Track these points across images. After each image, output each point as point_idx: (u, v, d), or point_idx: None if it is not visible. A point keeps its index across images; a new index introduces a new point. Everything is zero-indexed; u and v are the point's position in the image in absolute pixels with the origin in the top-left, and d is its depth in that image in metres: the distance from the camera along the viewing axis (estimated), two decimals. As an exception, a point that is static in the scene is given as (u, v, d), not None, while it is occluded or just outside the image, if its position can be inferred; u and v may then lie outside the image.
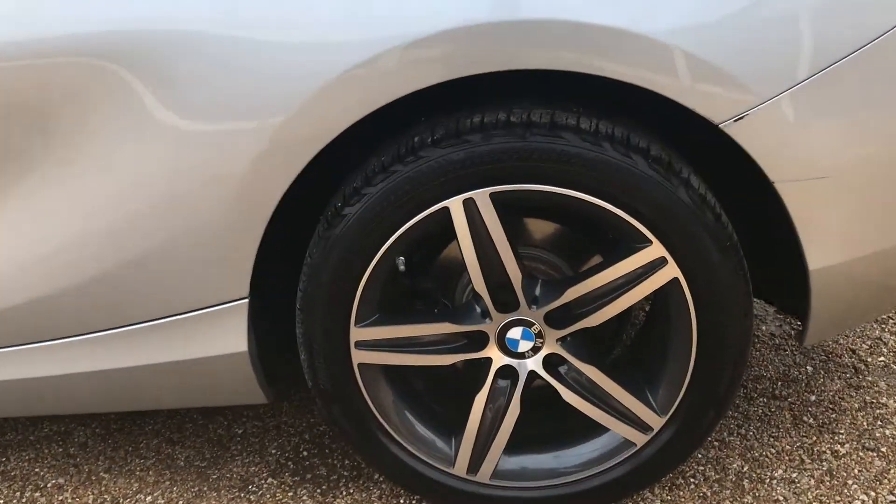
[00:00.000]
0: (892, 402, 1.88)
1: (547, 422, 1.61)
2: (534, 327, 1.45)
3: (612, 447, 1.55)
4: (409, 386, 1.60)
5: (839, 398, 1.91)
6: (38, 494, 1.79)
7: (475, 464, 1.56)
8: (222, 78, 1.29)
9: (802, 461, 1.72)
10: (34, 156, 1.37)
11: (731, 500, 1.63)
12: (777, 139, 1.29)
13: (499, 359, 1.49)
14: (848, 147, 1.31)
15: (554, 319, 1.45)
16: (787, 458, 1.73)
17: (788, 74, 1.25)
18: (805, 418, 1.85)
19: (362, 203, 1.36)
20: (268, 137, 1.30)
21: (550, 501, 1.57)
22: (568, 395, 1.50)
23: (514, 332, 1.46)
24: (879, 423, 1.82)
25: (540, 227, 1.56)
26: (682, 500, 1.64)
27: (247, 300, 1.45)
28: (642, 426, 1.51)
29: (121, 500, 1.74)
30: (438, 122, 1.34)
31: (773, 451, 1.75)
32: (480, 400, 1.51)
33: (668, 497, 1.65)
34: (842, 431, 1.80)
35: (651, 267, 1.38)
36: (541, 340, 1.47)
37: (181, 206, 1.37)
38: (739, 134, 1.28)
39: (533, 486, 1.57)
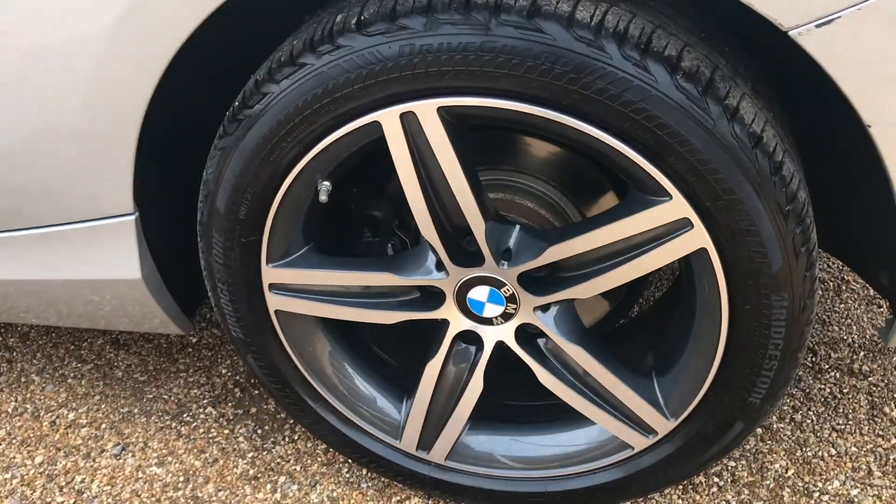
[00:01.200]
0: None
1: (526, 396, 1.25)
2: (504, 289, 1.06)
3: (601, 444, 1.18)
4: (353, 334, 1.25)
5: (940, 385, 1.46)
6: (-40, 393, 1.58)
7: (427, 440, 1.22)
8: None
9: (870, 472, 1.31)
10: None
11: (760, 516, 1.26)
12: (881, 60, 0.80)
13: (458, 322, 1.12)
14: None
15: (532, 282, 1.06)
16: (849, 464, 1.32)
17: None
18: (887, 410, 1.41)
19: (264, 105, 0.97)
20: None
21: (519, 498, 1.23)
22: (546, 378, 1.12)
23: (479, 293, 1.08)
24: None
25: (526, 149, 1.13)
26: (697, 506, 1.27)
27: (133, 217, 1.11)
28: (644, 427, 1.12)
29: (41, 413, 1.51)
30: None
31: (832, 452, 1.34)
32: (433, 368, 1.15)
33: (680, 501, 1.28)
34: (934, 435, 1.37)
35: (669, 230, 0.95)
36: (513, 306, 1.08)
37: (37, 86, 1.02)
38: (819, 48, 0.80)
39: (500, 476, 1.23)
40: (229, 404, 1.51)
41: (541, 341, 1.12)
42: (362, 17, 0.90)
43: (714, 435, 1.10)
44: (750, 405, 1.06)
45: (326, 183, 1.04)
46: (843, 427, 1.39)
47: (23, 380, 1.60)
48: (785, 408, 1.43)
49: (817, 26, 0.79)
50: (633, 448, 1.15)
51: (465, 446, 1.23)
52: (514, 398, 1.26)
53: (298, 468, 1.37)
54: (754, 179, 0.88)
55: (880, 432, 1.37)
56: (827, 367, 1.50)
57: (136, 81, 0.97)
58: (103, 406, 1.52)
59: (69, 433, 1.47)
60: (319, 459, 1.38)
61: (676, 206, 0.92)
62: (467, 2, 0.87)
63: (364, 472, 1.34)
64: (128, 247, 1.14)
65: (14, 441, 1.46)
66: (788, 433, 1.38)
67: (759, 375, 1.03)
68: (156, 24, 0.94)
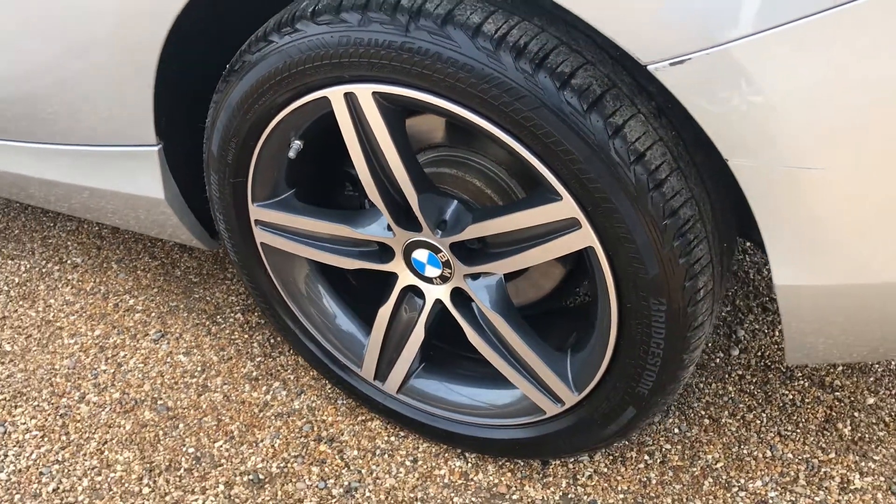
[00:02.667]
0: (978, 439, 1.41)
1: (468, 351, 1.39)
2: (440, 255, 1.20)
3: (520, 404, 1.31)
4: (328, 268, 1.43)
5: (908, 412, 1.46)
6: (56, 268, 1.91)
7: (382, 373, 1.40)
8: None
9: (796, 480, 1.36)
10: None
11: (673, 498, 1.35)
12: (738, 101, 0.86)
13: (405, 277, 1.28)
14: (851, 131, 0.85)
15: (463, 252, 1.19)
16: (779, 468, 1.38)
17: (767, 11, 0.81)
18: (840, 426, 1.44)
19: (244, 71, 1.15)
20: None
21: (452, 437, 1.39)
22: (473, 337, 1.26)
23: (420, 254, 1.23)
24: (941, 461, 1.38)
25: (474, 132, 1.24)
26: (619, 478, 1.38)
27: (157, 148, 1.34)
28: (553, 396, 1.25)
29: (110, 295, 1.82)
30: (334, -11, 1.06)
31: (768, 454, 1.40)
32: (384, 314, 1.32)
33: (605, 469, 1.39)
34: (877, 458, 1.39)
35: (562, 226, 1.05)
36: (448, 271, 1.22)
37: (74, 28, 1.25)
38: (676, 84, 0.87)
39: (439, 416, 1.39)
40: (255, 314, 1.75)
41: (474, 305, 1.25)
42: (315, 8, 1.05)
43: (611, 415, 1.21)
44: (639, 394, 1.16)
45: (298, 142, 1.21)
46: (788, 433, 1.43)
47: (104, 265, 1.91)
48: (740, 405, 1.49)
49: (671, 64, 0.86)
50: (545, 412, 1.27)
51: (414, 384, 1.40)
52: (459, 350, 1.40)
53: (292, 377, 1.59)
54: (631, 193, 0.97)
55: (823, 445, 1.41)
56: (799, 374, 1.54)
57: (150, 31, 1.17)
58: (157, 298, 1.81)
59: (125, 316, 1.76)
60: (311, 374, 1.60)
61: (566, 207, 1.02)
62: (394, 5, 1.00)
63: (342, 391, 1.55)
64: (153, 172, 1.37)
65: (84, 314, 1.77)
66: (734, 429, 1.45)
67: (645, 369, 1.12)
68: None
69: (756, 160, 0.89)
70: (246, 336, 1.70)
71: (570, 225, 1.04)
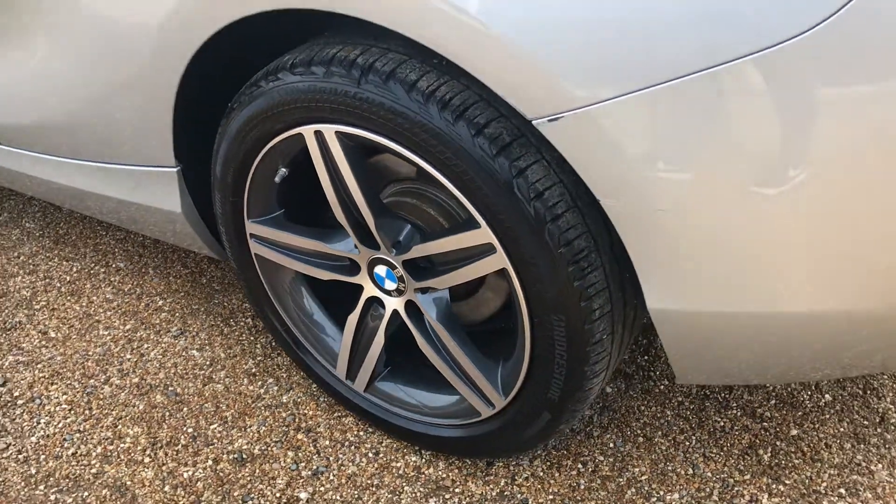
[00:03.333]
0: (886, 474, 1.53)
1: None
2: (396, 270, 1.42)
3: (461, 405, 1.50)
4: (314, 280, 1.66)
5: (827, 445, 1.59)
6: (102, 270, 2.20)
7: (352, 373, 1.61)
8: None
9: (710, 495, 1.51)
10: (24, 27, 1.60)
11: (596, 502, 1.51)
12: (602, 152, 1.06)
13: (369, 289, 1.49)
14: (694, 181, 1.04)
15: (413, 269, 1.41)
16: (697, 484, 1.53)
17: (635, 74, 1.00)
18: (761, 452, 1.58)
19: (240, 110, 1.39)
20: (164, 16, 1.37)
21: (410, 434, 1.59)
22: (423, 345, 1.47)
23: (380, 270, 1.44)
24: (848, 492, 1.50)
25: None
26: (552, 481, 1.55)
27: (175, 169, 1.59)
28: (486, 400, 1.44)
29: (143, 296, 2.09)
30: (309, 48, 1.30)
31: (690, 471, 1.55)
32: (352, 320, 1.54)
33: (541, 473, 1.57)
34: (787, 482, 1.52)
35: (484, 249, 1.26)
36: (403, 285, 1.43)
37: (106, 62, 1.51)
38: (557, 136, 1.08)
39: (398, 413, 1.59)
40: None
41: (424, 317, 1.46)
42: (293, 61, 1.29)
43: (530, 418, 1.39)
44: (550, 400, 1.34)
45: (283, 169, 1.44)
46: (712, 455, 1.58)
47: (142, 270, 2.19)
48: (674, 427, 1.64)
49: (549, 121, 1.06)
50: (480, 414, 1.46)
51: (378, 385, 1.60)
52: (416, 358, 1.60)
53: (285, 376, 1.82)
54: (531, 224, 1.17)
55: (741, 468, 1.55)
56: (734, 405, 1.68)
57: (167, 76, 1.42)
58: (182, 301, 2.07)
59: (153, 314, 2.03)
60: (300, 374, 1.82)
61: (483, 234, 1.22)
62: (351, 62, 1.23)
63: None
64: (173, 189, 1.62)
65: (119, 311, 2.04)
66: (663, 448, 1.60)
67: (553, 377, 1.31)
68: (183, 24, 1.36)
69: (620, 201, 1.08)
70: (252, 338, 1.93)
71: (488, 249, 1.24)
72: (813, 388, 1.73)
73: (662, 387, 1.74)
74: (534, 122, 1.08)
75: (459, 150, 1.17)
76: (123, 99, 1.52)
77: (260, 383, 1.80)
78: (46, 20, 1.57)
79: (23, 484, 1.60)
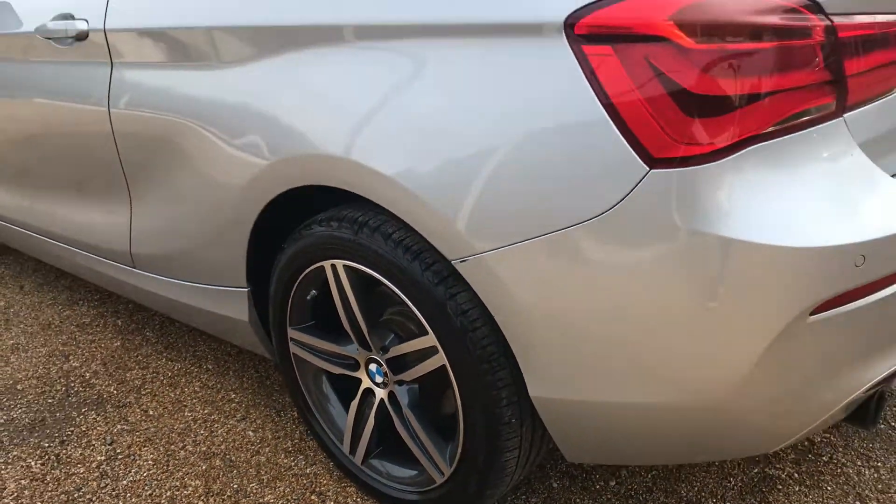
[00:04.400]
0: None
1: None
2: (382, 367, 1.98)
3: (422, 477, 2.00)
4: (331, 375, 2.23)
5: (718, 541, 1.97)
6: (195, 368, 2.85)
7: (353, 449, 2.15)
8: (222, 156, 2.08)
9: (612, 567, 1.91)
10: (166, 173, 2.33)
11: (523, 563, 1.94)
12: (491, 284, 1.62)
13: (365, 381, 2.05)
14: (553, 302, 1.57)
15: (394, 366, 1.96)
16: (605, 559, 1.94)
17: (507, 233, 1.57)
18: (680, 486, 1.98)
19: (289, 247, 2.04)
20: (242, 174, 2.04)
21: (395, 500, 2.09)
22: (399, 427, 2.00)
23: (373, 367, 2.01)
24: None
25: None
26: (493, 546, 2.00)
27: (246, 290, 2.24)
28: (440, 470, 1.94)
29: (221, 390, 2.71)
30: (332, 210, 1.95)
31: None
32: (353, 406, 2.09)
33: (487, 540, 2.02)
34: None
35: (429, 352, 1.81)
36: (387, 379, 1.99)
37: (207, 214, 2.21)
38: (466, 272, 1.65)
39: (381, 482, 2.10)
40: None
41: (400, 404, 2.00)
42: (321, 219, 1.93)
43: (466, 483, 1.87)
44: (479, 469, 1.83)
45: (314, 291, 2.06)
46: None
47: (224, 371, 2.82)
48: (604, 481, 2.07)
49: (460, 262, 1.64)
50: (435, 482, 1.96)
51: (371, 461, 2.12)
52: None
53: (312, 455, 2.36)
54: (458, 334, 1.72)
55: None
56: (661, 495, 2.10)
57: (243, 222, 2.10)
58: (249, 396, 2.67)
59: (226, 404, 2.63)
60: (323, 454, 2.36)
61: (430, 339, 1.78)
62: (353, 219, 1.85)
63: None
64: (243, 304, 2.27)
65: (201, 399, 2.66)
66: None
67: (479, 451, 1.80)
68: (246, 194, 2.05)
69: (507, 317, 1.62)
70: (293, 426, 2.50)
71: (433, 351, 1.80)
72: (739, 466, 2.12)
73: (598, 486, 2.18)
74: (452, 262, 1.66)
75: (415, 280, 1.75)
76: (216, 238, 2.21)
77: (293, 458, 2.35)
78: (175, 183, 2.29)
79: (110, 509, 2.19)
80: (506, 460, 1.82)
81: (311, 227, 1.96)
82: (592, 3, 1.45)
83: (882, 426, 2.36)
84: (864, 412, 1.71)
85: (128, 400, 2.69)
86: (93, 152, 2.51)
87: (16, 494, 2.25)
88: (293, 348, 2.18)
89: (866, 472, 2.20)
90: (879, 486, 2.15)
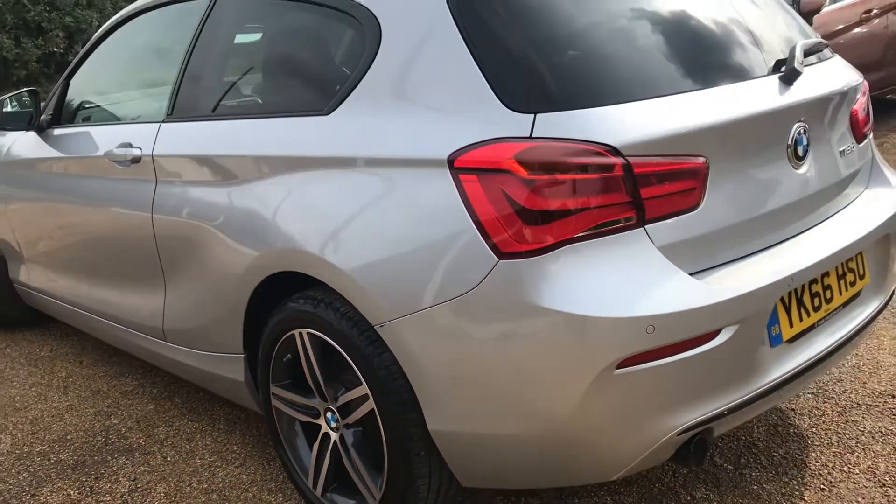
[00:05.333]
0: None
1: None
2: (335, 414, 2.57)
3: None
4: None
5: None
6: (209, 427, 3.45)
7: (315, 483, 2.70)
8: (228, 249, 2.76)
9: (505, 581, 2.40)
10: (192, 265, 3.02)
11: (436, 575, 2.44)
12: (401, 344, 2.21)
13: (324, 427, 2.63)
14: (441, 358, 2.15)
15: (342, 412, 2.54)
16: (501, 575, 2.43)
17: (406, 306, 2.17)
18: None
19: (272, 319, 2.67)
20: (241, 264, 2.70)
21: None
22: (346, 463, 2.56)
23: (329, 415, 2.60)
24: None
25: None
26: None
27: (242, 356, 2.87)
28: (373, 496, 2.48)
29: (227, 444, 3.30)
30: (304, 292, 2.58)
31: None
32: (315, 447, 2.66)
33: (412, 558, 2.53)
34: (556, 580, 2.38)
35: (363, 398, 2.39)
36: (338, 423, 2.57)
37: (216, 294, 2.87)
38: (385, 335, 2.24)
39: (336, 510, 2.65)
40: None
41: (347, 444, 2.56)
42: (295, 298, 2.57)
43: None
44: (398, 497, 2.37)
45: (289, 354, 2.68)
46: None
47: (232, 428, 3.42)
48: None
49: (379, 326, 2.24)
50: (368, 505, 2.50)
51: (328, 494, 2.67)
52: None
53: (289, 492, 2.91)
54: (382, 384, 2.30)
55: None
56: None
57: (238, 302, 2.74)
58: (249, 449, 3.25)
59: (229, 454, 3.22)
60: (295, 491, 2.91)
61: (364, 389, 2.36)
62: (313, 297, 2.48)
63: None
64: (239, 367, 2.89)
65: (211, 450, 3.26)
66: None
67: (396, 480, 2.35)
68: (243, 277, 2.70)
69: (410, 368, 2.20)
70: (279, 472, 3.06)
71: (366, 397, 2.38)
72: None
73: (511, 524, 2.67)
74: (375, 327, 2.26)
75: (353, 343, 2.35)
76: (222, 315, 2.86)
77: (274, 495, 2.91)
78: (198, 272, 2.97)
79: (125, 525, 2.77)
80: (419, 485, 2.36)
81: (287, 304, 2.59)
82: (466, 147, 2.10)
83: (730, 468, 2.79)
84: (686, 453, 2.20)
85: (152, 449, 3.30)
86: (138, 248, 3.23)
87: (55, 512, 2.86)
88: (274, 402, 2.78)
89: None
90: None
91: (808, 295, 2.38)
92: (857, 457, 2.85)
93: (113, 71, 3.88)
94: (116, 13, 3.79)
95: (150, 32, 3.59)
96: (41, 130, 3.93)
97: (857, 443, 2.93)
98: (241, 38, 3.10)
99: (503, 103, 2.10)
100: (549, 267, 2.01)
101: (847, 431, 3.00)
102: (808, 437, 2.99)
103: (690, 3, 2.47)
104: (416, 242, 2.16)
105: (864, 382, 3.35)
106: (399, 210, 2.22)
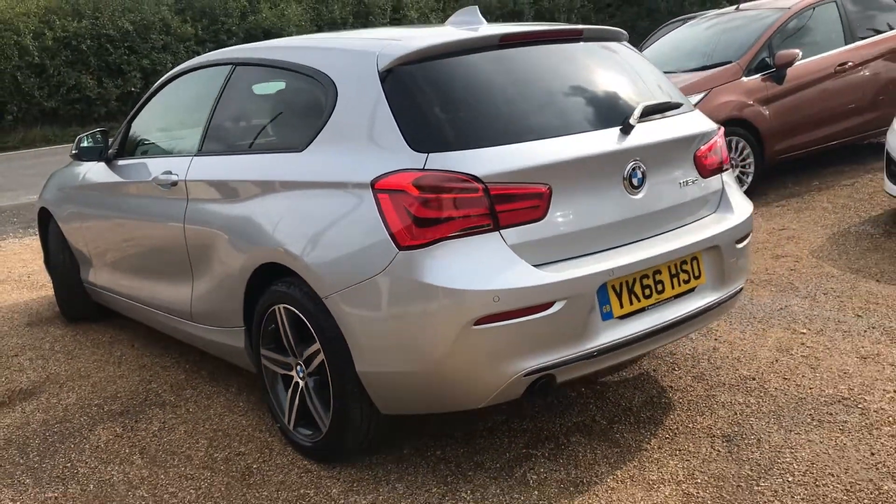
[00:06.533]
0: None
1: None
2: (302, 367, 3.55)
3: (317, 432, 3.52)
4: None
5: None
6: (237, 399, 4.47)
7: (289, 419, 3.68)
8: (233, 247, 3.80)
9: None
10: (212, 260, 4.06)
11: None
12: (339, 311, 3.19)
13: (295, 377, 3.62)
14: (363, 320, 3.12)
15: (306, 364, 3.52)
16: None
17: (340, 283, 3.16)
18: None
19: (263, 299, 3.68)
20: (241, 258, 3.73)
21: (298, 446, 3.60)
22: (308, 402, 3.53)
23: (298, 368, 3.59)
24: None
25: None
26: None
27: (243, 328, 3.88)
28: (325, 424, 3.45)
29: (247, 414, 4.31)
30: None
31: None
32: (289, 393, 3.65)
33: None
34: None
35: (317, 353, 3.38)
36: (304, 374, 3.55)
37: (225, 282, 3.90)
38: (329, 305, 3.23)
39: (300, 438, 3.62)
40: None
41: (309, 389, 3.54)
42: (275, 282, 3.58)
43: (338, 434, 3.37)
44: (343, 424, 3.33)
45: (273, 325, 3.68)
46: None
47: (258, 406, 4.43)
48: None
49: (325, 298, 3.22)
50: (322, 432, 3.46)
51: (298, 427, 3.65)
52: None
53: (282, 444, 3.90)
54: (329, 341, 3.28)
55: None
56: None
57: (239, 286, 3.76)
58: (254, 422, 4.26)
59: (238, 420, 4.24)
60: (283, 439, 3.89)
61: (317, 345, 3.34)
62: (287, 281, 3.48)
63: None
64: (240, 336, 3.90)
65: (237, 426, 4.27)
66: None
67: (339, 413, 3.32)
68: (243, 268, 3.72)
69: (345, 327, 3.18)
70: (269, 419, 4.06)
71: (319, 352, 3.36)
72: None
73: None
74: (322, 299, 3.25)
75: (310, 312, 3.34)
76: (229, 297, 3.89)
77: (265, 433, 3.90)
78: (215, 265, 4.00)
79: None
80: (353, 415, 3.32)
81: (271, 288, 3.60)
82: (382, 174, 3.10)
83: (604, 423, 3.64)
84: (532, 391, 3.12)
85: (179, 404, 4.33)
86: (174, 251, 4.29)
87: (105, 444, 3.91)
88: (263, 361, 3.79)
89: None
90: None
91: (639, 286, 3.29)
92: (704, 418, 3.71)
93: (162, 115, 5.01)
94: (188, 58, 4.94)
95: (189, 88, 4.70)
96: (108, 161, 5.07)
97: (707, 409, 3.79)
98: (258, 90, 4.18)
99: (408, 145, 3.10)
100: (431, 255, 2.98)
101: (705, 402, 3.86)
102: (674, 405, 3.86)
103: (556, 71, 3.45)
104: (350, 239, 3.16)
105: (738, 370, 4.19)
106: (342, 218, 3.22)
